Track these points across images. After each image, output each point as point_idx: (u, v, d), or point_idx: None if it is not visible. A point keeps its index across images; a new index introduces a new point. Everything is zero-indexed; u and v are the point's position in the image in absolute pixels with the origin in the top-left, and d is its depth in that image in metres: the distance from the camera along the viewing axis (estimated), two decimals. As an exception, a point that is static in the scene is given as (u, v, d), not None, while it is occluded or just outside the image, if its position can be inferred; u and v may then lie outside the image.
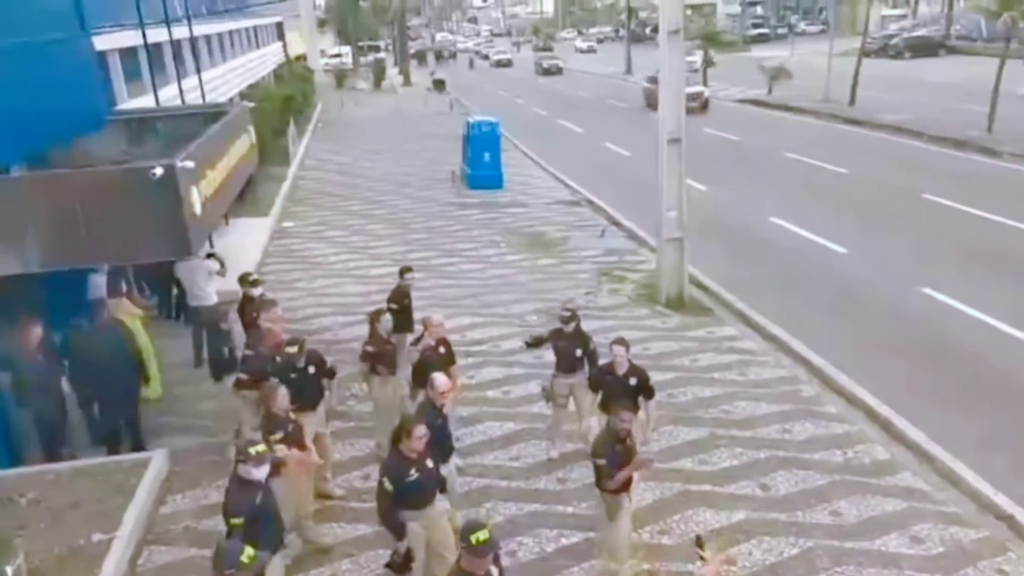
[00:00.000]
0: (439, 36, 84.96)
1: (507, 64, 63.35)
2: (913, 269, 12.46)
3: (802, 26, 70.69)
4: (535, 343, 8.16)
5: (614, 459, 5.24)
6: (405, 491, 4.94)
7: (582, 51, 70.66)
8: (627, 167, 21.74)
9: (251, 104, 13.29)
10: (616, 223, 16.33)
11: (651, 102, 30.87)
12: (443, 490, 5.38)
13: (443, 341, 7.08)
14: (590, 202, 18.33)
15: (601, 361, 6.91)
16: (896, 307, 11.08)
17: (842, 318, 10.85)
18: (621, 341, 6.50)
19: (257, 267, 13.82)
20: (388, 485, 4.92)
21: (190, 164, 6.43)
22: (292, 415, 5.91)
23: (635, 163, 21.47)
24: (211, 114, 10.69)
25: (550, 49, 66.92)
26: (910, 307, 11.05)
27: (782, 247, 14.06)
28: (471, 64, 65.48)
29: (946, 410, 8.29)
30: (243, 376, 6.84)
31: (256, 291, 8.56)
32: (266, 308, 7.42)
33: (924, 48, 46.53)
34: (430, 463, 5.12)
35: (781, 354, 9.90)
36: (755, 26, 69.10)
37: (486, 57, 70.34)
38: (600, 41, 75.83)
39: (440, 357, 6.89)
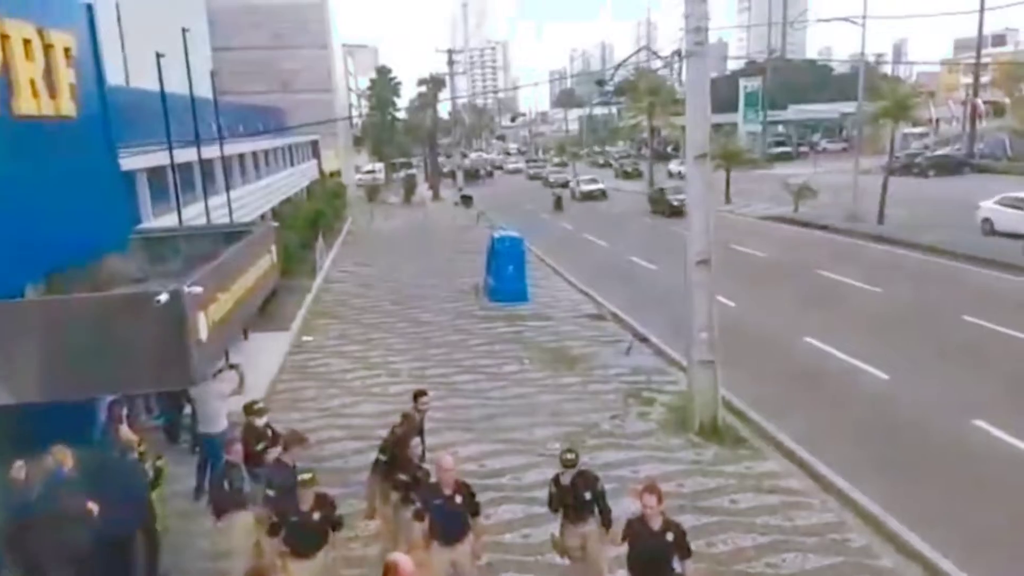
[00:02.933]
0: (473, 155, 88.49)
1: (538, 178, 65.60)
2: (962, 398, 11.76)
3: (824, 144, 72.26)
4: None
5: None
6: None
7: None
8: (653, 281, 21.62)
9: (275, 224, 13.34)
10: (643, 339, 16.00)
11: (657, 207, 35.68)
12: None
13: (460, 487, 6.49)
14: (616, 316, 18.09)
15: (608, 486, 6.26)
16: (949, 441, 10.34)
17: (891, 453, 10.11)
18: (652, 489, 5.87)
19: (271, 384, 13.59)
20: None
21: (198, 290, 6.19)
22: (280, 562, 5.33)
23: (661, 277, 21.35)
24: (234, 233, 10.73)
25: (564, 165, 68.76)
26: (964, 441, 10.29)
27: (820, 370, 13.53)
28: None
29: (1016, 561, 7.40)
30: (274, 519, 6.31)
31: (261, 421, 8.21)
32: (297, 443, 7.05)
33: (948, 167, 46.96)
34: None
35: (827, 495, 9.14)
36: (777, 144, 70.80)
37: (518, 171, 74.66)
38: (625, 158, 78.02)
39: (456, 509, 6.30)
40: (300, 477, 6.40)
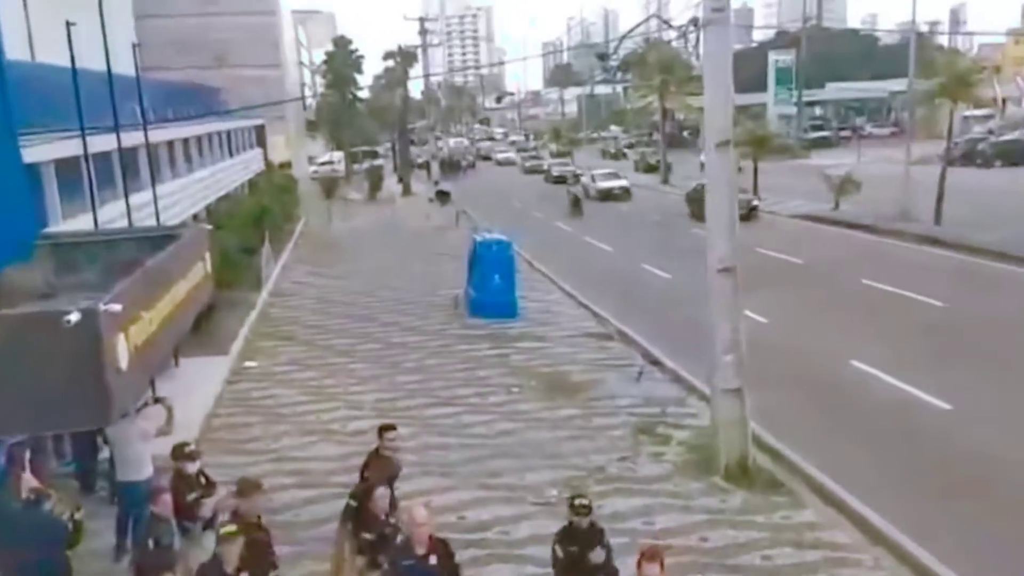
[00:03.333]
0: (452, 141, 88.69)
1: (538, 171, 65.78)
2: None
3: (869, 129, 73.09)
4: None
5: None
6: None
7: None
8: (667, 292, 21.70)
9: (211, 226, 13.32)
10: (656, 362, 16.05)
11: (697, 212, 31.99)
12: None
13: (435, 545, 6.45)
14: (623, 335, 18.15)
15: (616, 540, 6.33)
16: (1025, 483, 10.36)
17: (954, 500, 10.13)
18: (654, 555, 5.88)
19: (206, 421, 13.51)
20: None
21: (116, 307, 6.16)
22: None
23: (677, 287, 21.46)
24: (161, 237, 10.71)
25: (568, 154, 68.97)
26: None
27: (869, 400, 13.58)
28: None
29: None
30: None
31: (192, 466, 8.17)
32: (249, 494, 7.00)
33: (1016, 155, 47.51)
34: None
35: (879, 550, 9.15)
36: (814, 128, 71.51)
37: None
38: (630, 146, 78.65)
39: (431, 571, 6.27)
40: (221, 531, 6.41)
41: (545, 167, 63.10)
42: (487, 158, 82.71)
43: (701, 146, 62.39)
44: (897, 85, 58.10)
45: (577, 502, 6.75)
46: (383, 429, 8.49)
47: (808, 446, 11.67)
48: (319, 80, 78.33)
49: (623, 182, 46.17)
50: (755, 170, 38.31)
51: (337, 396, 14.80)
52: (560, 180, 53.36)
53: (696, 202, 41.43)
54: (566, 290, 22.97)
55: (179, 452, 8.26)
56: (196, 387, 14.48)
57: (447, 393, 14.72)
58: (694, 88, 46.87)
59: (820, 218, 33.35)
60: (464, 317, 20.06)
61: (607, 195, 44.50)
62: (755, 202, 32.05)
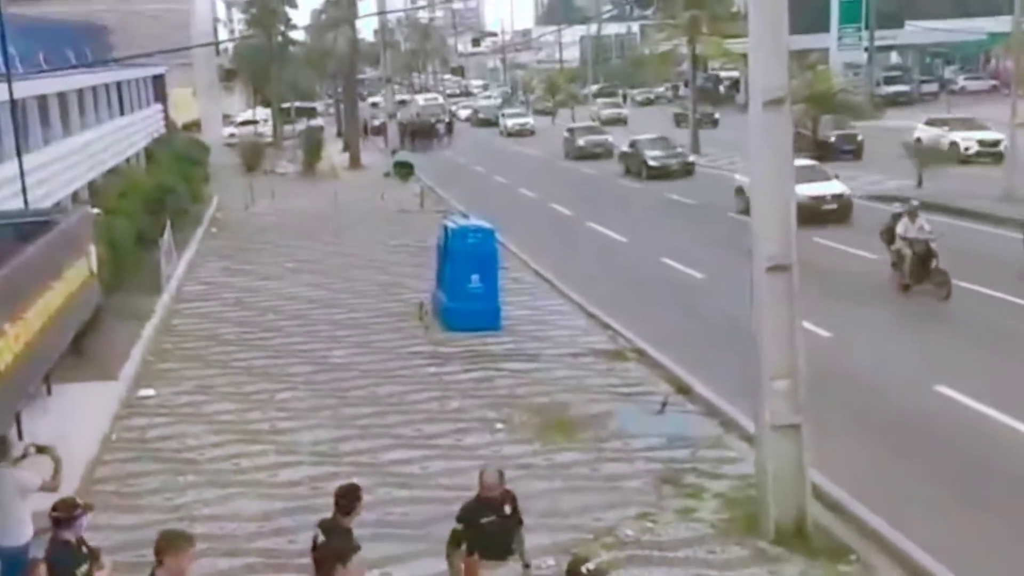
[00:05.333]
0: (422, 99, 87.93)
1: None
2: None
3: (961, 82, 73.72)
4: None
5: None
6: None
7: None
8: (699, 296, 21.81)
9: (96, 210, 13.27)
10: (683, 389, 16.11)
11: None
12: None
13: None
14: (640, 353, 18.23)
15: None
16: None
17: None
18: None
19: (88, 469, 13.46)
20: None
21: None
22: None
23: (711, 290, 21.57)
24: (29, 224, 10.68)
25: (616, 120, 70.00)
26: None
27: (962, 438, 13.73)
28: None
29: None
30: None
31: (69, 533, 7.99)
32: (175, 551, 7.04)
33: None
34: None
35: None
36: (890, 81, 72.02)
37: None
38: (649, 101, 79.14)
39: None
40: None
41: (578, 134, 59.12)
42: (468, 120, 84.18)
43: (741, 103, 62.49)
44: (998, 24, 58.57)
45: (584, 568, 6.68)
46: (344, 496, 8.12)
47: (885, 501, 11.72)
48: (238, 16, 78.25)
49: (681, 152, 45.67)
50: (814, 135, 38.46)
51: (262, 435, 14.80)
52: (592, 153, 52.12)
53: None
54: (566, 293, 23.05)
55: (65, 507, 8.13)
56: (75, 423, 14.40)
57: (410, 431, 14.72)
58: (735, 28, 47.06)
59: (899, 199, 33.41)
60: (432, 329, 20.12)
61: (660, 172, 43.35)
62: (847, 193, 30.86)
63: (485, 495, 8.62)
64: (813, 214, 27.97)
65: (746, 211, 37.17)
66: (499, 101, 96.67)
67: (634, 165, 44.72)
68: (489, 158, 56.14)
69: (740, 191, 36.71)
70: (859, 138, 44.75)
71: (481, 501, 8.63)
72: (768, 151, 11.11)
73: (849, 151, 43.64)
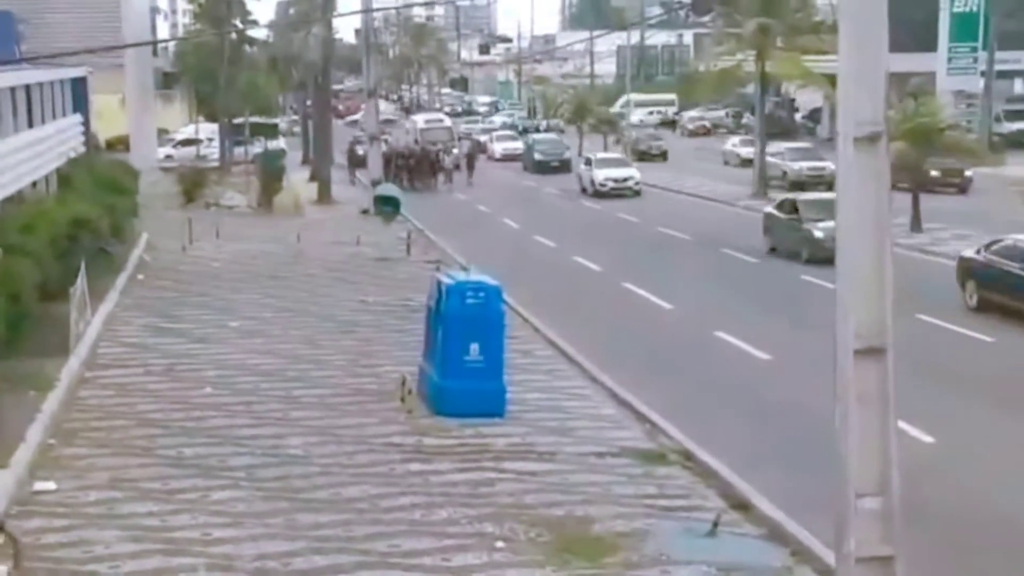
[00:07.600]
0: (420, 119, 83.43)
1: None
2: None
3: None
4: None
5: None
6: None
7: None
8: (761, 383, 21.90)
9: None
10: (740, 504, 16.09)
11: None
12: None
13: None
14: (686, 455, 18.23)
15: None
16: None
17: None
18: None
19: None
20: None
21: None
22: None
23: (778, 376, 21.61)
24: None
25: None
26: None
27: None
28: None
29: None
30: None
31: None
32: None
33: None
34: None
35: None
36: (1012, 117, 72.04)
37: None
38: (706, 131, 79.51)
39: None
40: None
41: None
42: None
43: (824, 136, 61.98)
44: None
45: None
46: None
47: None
48: (184, 5, 79.09)
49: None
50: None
51: (192, 546, 14.59)
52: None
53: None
54: (591, 373, 23.09)
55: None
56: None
57: (383, 547, 14.58)
58: (819, 43, 47.39)
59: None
60: (417, 414, 20.09)
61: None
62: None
63: None
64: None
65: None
66: (519, 125, 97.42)
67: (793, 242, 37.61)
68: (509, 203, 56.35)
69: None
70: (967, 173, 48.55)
71: None
72: (860, 199, 11.14)
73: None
